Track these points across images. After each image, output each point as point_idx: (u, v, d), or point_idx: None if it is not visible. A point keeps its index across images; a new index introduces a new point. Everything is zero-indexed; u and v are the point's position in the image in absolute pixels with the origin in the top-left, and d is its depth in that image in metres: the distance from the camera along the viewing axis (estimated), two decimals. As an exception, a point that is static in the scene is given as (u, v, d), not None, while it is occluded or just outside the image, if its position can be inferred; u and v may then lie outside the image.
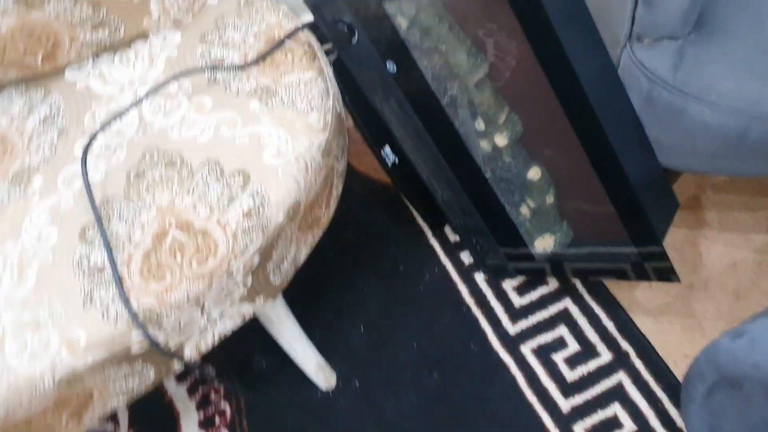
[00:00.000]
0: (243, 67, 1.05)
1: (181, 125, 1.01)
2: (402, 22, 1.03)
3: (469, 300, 1.33)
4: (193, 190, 0.95)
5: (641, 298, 1.31)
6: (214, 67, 1.04)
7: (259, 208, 0.95)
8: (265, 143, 0.99)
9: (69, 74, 1.08)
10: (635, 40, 1.05)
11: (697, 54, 1.02)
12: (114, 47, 1.09)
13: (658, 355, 1.25)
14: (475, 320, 1.30)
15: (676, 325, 1.28)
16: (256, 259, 0.97)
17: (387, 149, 1.26)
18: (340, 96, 1.11)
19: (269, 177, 0.97)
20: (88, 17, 1.01)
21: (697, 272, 1.33)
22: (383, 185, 1.48)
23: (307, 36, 1.12)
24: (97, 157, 0.98)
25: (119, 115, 0.99)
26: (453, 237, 1.41)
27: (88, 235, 0.92)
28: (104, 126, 0.98)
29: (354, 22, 1.06)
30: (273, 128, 1.00)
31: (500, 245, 1.27)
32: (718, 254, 1.35)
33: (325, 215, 1.11)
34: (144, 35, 1.10)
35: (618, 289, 1.32)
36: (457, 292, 1.34)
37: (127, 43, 1.09)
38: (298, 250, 1.08)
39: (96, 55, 1.08)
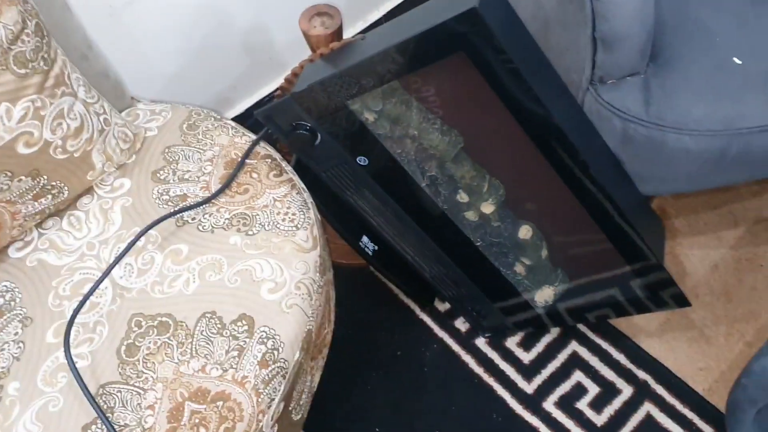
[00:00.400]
0: (210, 200, 0.96)
1: (162, 281, 0.91)
2: (369, 116, 0.97)
3: (478, 369, 1.28)
4: (196, 351, 0.85)
5: (641, 323, 1.30)
6: (181, 210, 0.94)
7: (273, 352, 0.86)
8: (259, 278, 0.91)
9: (14, 252, 0.95)
10: (598, 83, 1.04)
11: (662, 85, 1.02)
12: (59, 211, 0.97)
13: (675, 376, 1.24)
14: (490, 389, 1.25)
15: (681, 341, 1.28)
16: (281, 407, 0.88)
17: (365, 239, 1.20)
18: (313, 201, 1.04)
19: (274, 315, 0.88)
20: (28, 189, 0.90)
21: (684, 282, 1.34)
22: (355, 268, 1.41)
23: (266, 148, 1.05)
24: (76, 341, 0.87)
25: (93, 289, 0.87)
26: (443, 307, 1.36)
27: (97, 438, 0.80)
28: (81, 304, 0.86)
29: (315, 124, 1.00)
30: (262, 260, 0.92)
31: (495, 304, 1.23)
32: (698, 259, 1.36)
33: (329, 332, 1.03)
34: (89, 190, 0.99)
35: (618, 319, 1.31)
36: (463, 364, 1.29)
37: (71, 203, 0.98)
38: (313, 379, 1.00)
39: (40, 225, 0.97)
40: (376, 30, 1.01)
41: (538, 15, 1.12)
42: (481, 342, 1.31)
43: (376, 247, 1.21)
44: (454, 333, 1.33)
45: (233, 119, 1.53)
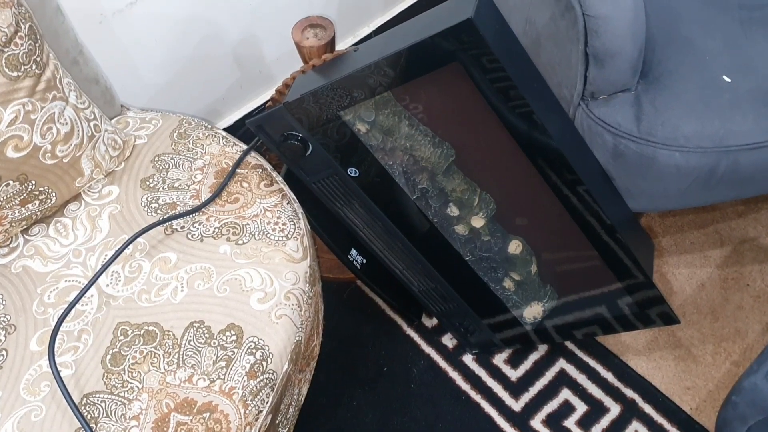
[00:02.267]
0: (200, 208, 0.95)
1: (149, 290, 0.89)
2: (361, 127, 0.97)
3: (465, 386, 1.26)
4: (183, 361, 0.84)
5: (629, 341, 1.30)
6: (170, 218, 0.93)
7: (261, 362, 0.85)
8: (249, 288, 0.90)
9: (-2, 258, 0.94)
10: (589, 99, 1.05)
11: (653, 101, 1.02)
12: (45, 218, 0.96)
13: (663, 394, 1.23)
14: (477, 406, 1.24)
15: (668, 359, 1.28)
16: (269, 419, 0.87)
17: (353, 252, 1.19)
18: (304, 213, 1.03)
19: (263, 325, 0.87)
20: (15, 194, 0.88)
21: (671, 300, 1.34)
22: (343, 283, 1.40)
23: (257, 158, 1.04)
24: (60, 350, 0.85)
25: (78, 297, 0.86)
26: (430, 322, 1.35)
27: (80, 449, 0.78)
28: (66, 312, 0.85)
29: (306, 135, 0.99)
30: (252, 269, 0.91)
31: (483, 320, 1.22)
32: (684, 278, 1.37)
33: (318, 345, 1.02)
34: (77, 197, 0.97)
35: (605, 337, 1.31)
36: (450, 381, 1.28)
37: (59, 209, 0.97)
38: (300, 391, 0.99)
39: (26, 230, 0.95)
40: (370, 41, 1.01)
41: (528, 31, 1.12)
42: (468, 359, 1.30)
43: (365, 261, 1.20)
44: (442, 349, 1.32)
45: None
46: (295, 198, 1.01)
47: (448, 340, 1.33)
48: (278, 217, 0.96)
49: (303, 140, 1.00)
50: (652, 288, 1.08)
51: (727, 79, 1.01)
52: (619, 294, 1.10)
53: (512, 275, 1.14)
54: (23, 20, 0.84)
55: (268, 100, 1.16)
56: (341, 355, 1.32)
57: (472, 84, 0.90)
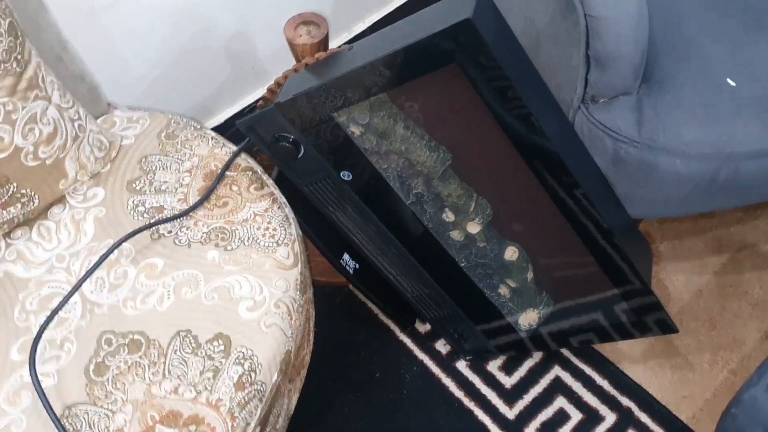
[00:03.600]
0: (188, 212, 0.92)
1: (134, 297, 0.86)
2: (355, 130, 0.94)
3: (458, 393, 1.24)
4: (169, 371, 0.81)
5: (625, 348, 1.28)
6: (157, 222, 0.90)
7: (250, 373, 0.82)
8: (238, 296, 0.87)
9: (-22, 263, 0.90)
10: (590, 102, 1.02)
11: (654, 105, 1.00)
12: (28, 221, 0.93)
13: (659, 403, 1.21)
14: (471, 413, 1.22)
15: (665, 367, 1.26)
16: (257, 431, 0.84)
17: (346, 257, 1.16)
18: (295, 218, 1.00)
19: (252, 334, 0.84)
20: (-5, 196, 0.85)
21: (668, 308, 1.32)
22: (335, 287, 1.37)
23: (247, 160, 1.01)
24: (42, 358, 0.82)
25: (61, 304, 0.83)
26: (423, 328, 1.33)
27: (60, 463, 0.76)
28: (49, 320, 0.82)
29: (298, 136, 0.96)
30: (241, 276, 0.88)
31: (478, 326, 1.20)
32: (682, 285, 1.35)
33: (308, 353, 1.00)
34: (60, 200, 0.94)
35: (601, 344, 1.28)
36: (444, 388, 1.25)
37: (42, 212, 0.93)
38: (290, 401, 0.96)
39: (8, 234, 0.92)
40: (364, 40, 0.98)
41: (528, 31, 1.10)
42: (462, 365, 1.28)
43: (358, 266, 1.17)
44: (435, 355, 1.30)
45: (213, 129, 1.49)
46: (286, 202, 0.98)
47: (442, 346, 1.30)
48: (268, 223, 0.94)
49: (295, 142, 0.97)
50: (650, 295, 1.06)
51: (732, 83, 0.99)
52: (616, 301, 1.08)
53: (508, 282, 1.11)
54: (3, 16, 0.81)
55: (260, 99, 1.12)
56: (333, 361, 1.29)
57: (470, 86, 0.87)
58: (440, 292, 1.15)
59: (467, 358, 1.29)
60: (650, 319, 1.09)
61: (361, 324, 1.35)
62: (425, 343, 1.31)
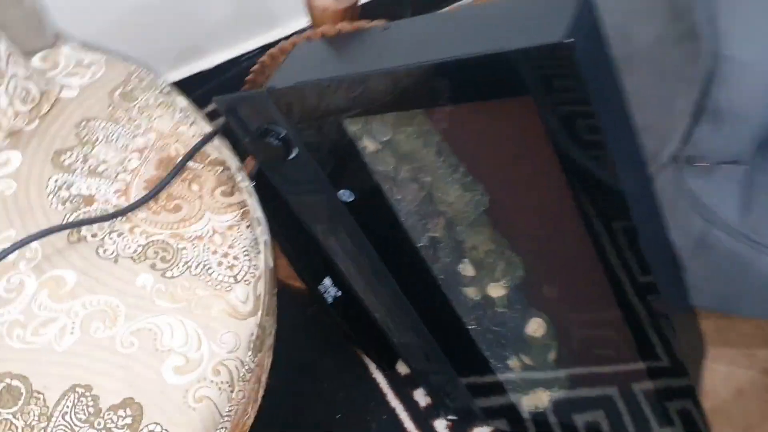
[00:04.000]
0: (125, 213, 0.67)
1: (26, 323, 0.62)
2: (369, 145, 0.69)
3: (431, 460, 1.03)
4: (49, 442, 0.58)
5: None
6: (80, 223, 0.65)
7: (159, 464, 0.59)
8: (166, 347, 0.63)
9: None
10: (684, 162, 0.77)
11: (769, 186, 0.75)
12: None
13: None
14: (442, 489, 1.01)
15: (682, 476, 1.04)
16: None
17: (327, 282, 0.93)
18: (269, 237, 0.76)
19: (173, 410, 0.61)
20: None
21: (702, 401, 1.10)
22: (306, 296, 1.14)
23: (219, 150, 0.76)
24: None
25: None
26: (403, 368, 1.10)
27: None
28: None
29: (292, 134, 0.71)
30: (176, 319, 0.64)
31: (474, 397, 0.97)
32: (721, 377, 1.12)
33: (252, 416, 0.76)
34: (-45, 161, 0.70)
35: None
36: (415, 449, 1.04)
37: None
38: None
39: None
40: (408, 22, 0.73)
41: (620, 48, 0.83)
42: (441, 424, 1.06)
43: (339, 294, 0.94)
44: (411, 406, 1.07)
45: (200, 73, 1.24)
46: (262, 217, 0.74)
47: (421, 396, 1.08)
48: (230, 246, 0.69)
49: (286, 140, 0.72)
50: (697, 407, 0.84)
51: None
52: (652, 399, 0.86)
53: (522, 357, 0.89)
54: None
55: (251, 70, 0.86)
56: (293, 387, 1.07)
57: (541, 123, 0.62)
58: (434, 348, 0.92)
59: (449, 417, 1.07)
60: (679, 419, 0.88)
61: (330, 348, 1.12)
62: (402, 388, 1.08)
